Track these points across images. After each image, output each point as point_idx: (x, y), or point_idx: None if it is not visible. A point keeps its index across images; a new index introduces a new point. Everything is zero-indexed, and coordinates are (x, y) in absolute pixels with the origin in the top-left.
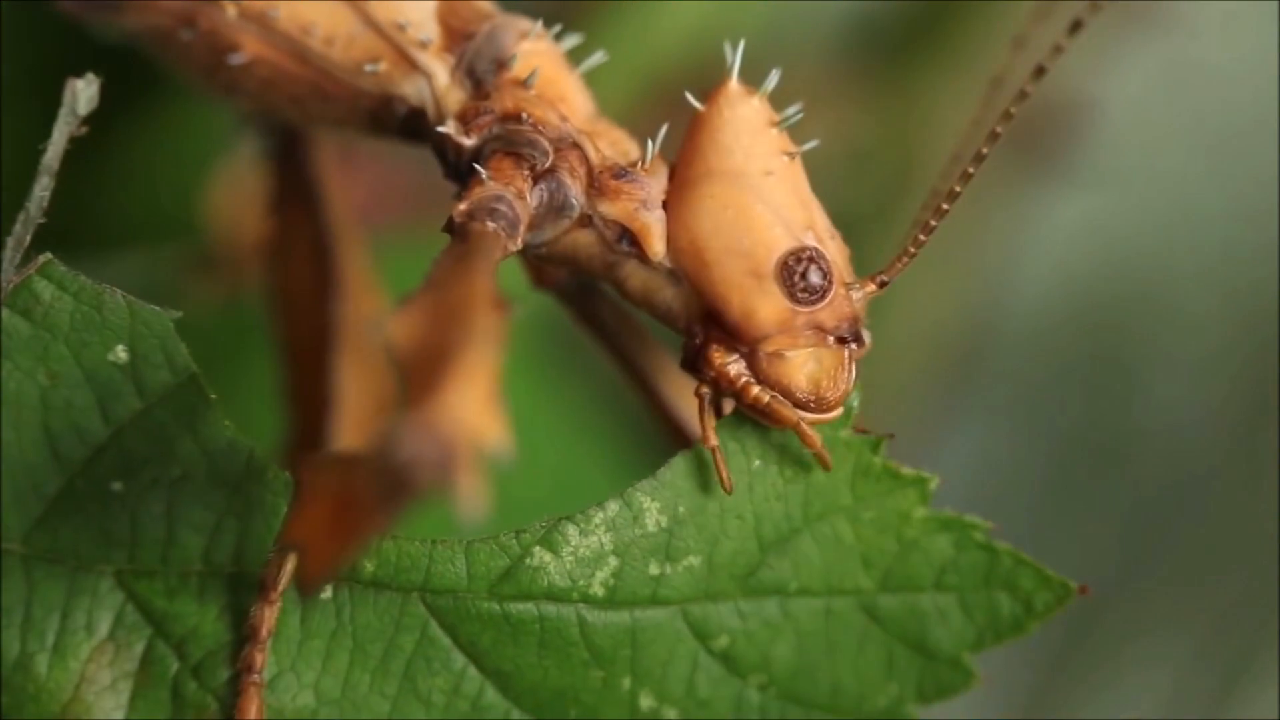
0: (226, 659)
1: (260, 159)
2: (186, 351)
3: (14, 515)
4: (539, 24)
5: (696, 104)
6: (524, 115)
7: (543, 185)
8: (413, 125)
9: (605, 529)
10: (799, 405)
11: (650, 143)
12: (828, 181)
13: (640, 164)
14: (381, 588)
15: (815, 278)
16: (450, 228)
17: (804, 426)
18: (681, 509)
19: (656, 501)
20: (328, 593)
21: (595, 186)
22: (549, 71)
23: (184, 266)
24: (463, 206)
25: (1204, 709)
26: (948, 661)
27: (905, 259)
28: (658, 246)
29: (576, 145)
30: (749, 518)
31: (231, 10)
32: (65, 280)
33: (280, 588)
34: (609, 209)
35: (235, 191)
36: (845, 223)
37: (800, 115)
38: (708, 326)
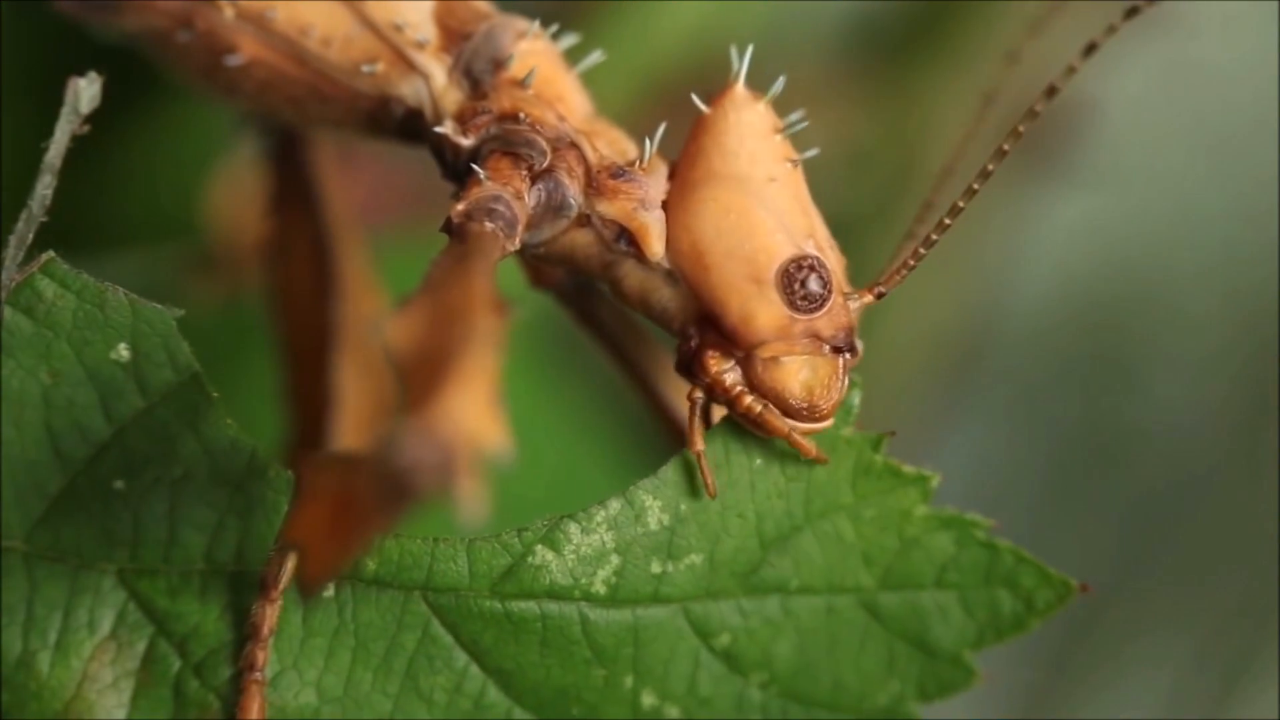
0: (228, 657)
1: (259, 159)
2: (189, 350)
3: (16, 513)
4: (536, 24)
5: (701, 105)
6: (522, 115)
7: (540, 185)
8: (410, 126)
9: (607, 527)
10: (792, 413)
11: (648, 142)
12: (828, 182)
13: (638, 163)
14: (384, 586)
15: (815, 286)
16: (448, 228)
17: (796, 436)
18: (683, 507)
19: (658, 500)
20: (330, 591)
21: (593, 186)
22: (546, 71)
23: (184, 266)
24: (460, 207)
25: (1204, 709)
26: (949, 659)
27: (904, 271)
28: (656, 247)
29: (574, 145)
30: (750, 516)
31: (229, 11)
32: (68, 278)
33: (282, 586)
34: (607, 208)
35: (235, 191)
36: (845, 223)
37: (804, 124)
38: (703, 329)
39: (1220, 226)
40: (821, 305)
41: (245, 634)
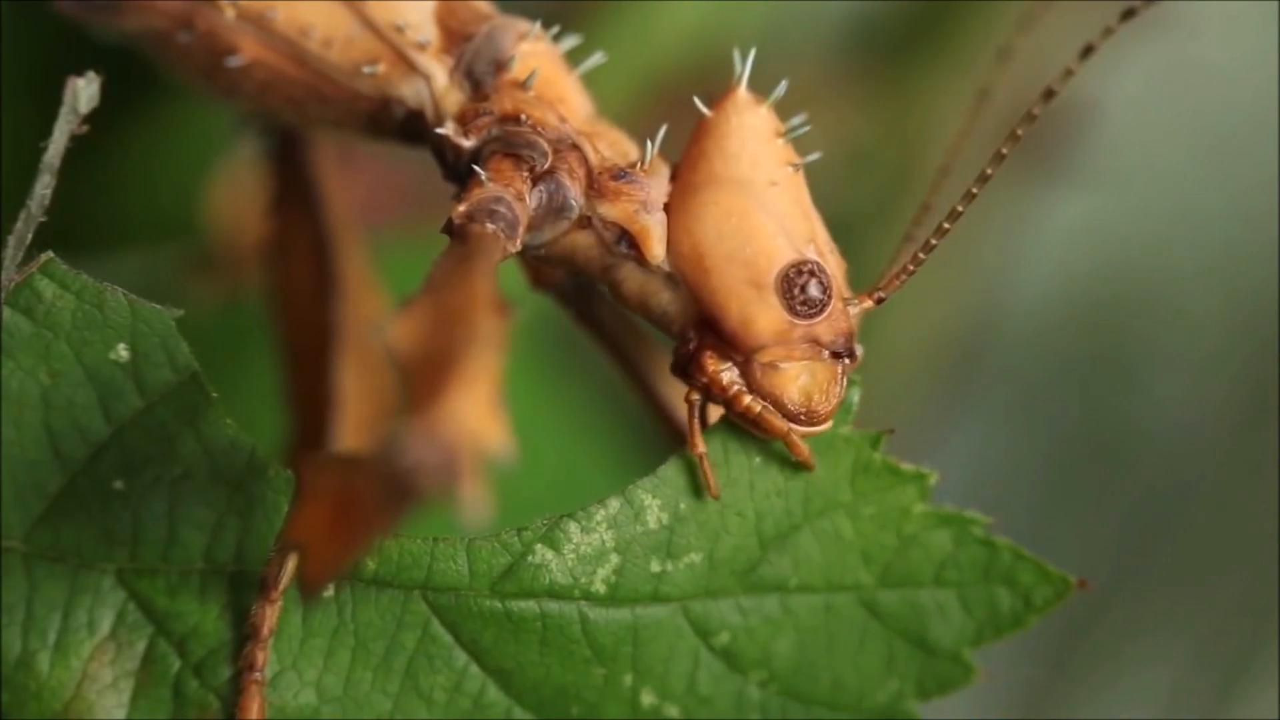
0: (228, 657)
1: (259, 159)
2: (188, 350)
3: (15, 513)
4: (537, 25)
5: (704, 108)
6: (523, 116)
7: (542, 186)
8: (411, 127)
9: (607, 526)
10: (789, 417)
11: (649, 143)
12: (828, 181)
13: (640, 165)
14: (383, 585)
15: (815, 291)
16: (449, 229)
17: (793, 437)
18: (682, 506)
19: (657, 499)
20: (330, 591)
21: (594, 188)
22: (548, 73)
23: (184, 266)
24: (462, 208)
25: (1204, 709)
26: (948, 657)
27: (903, 276)
28: (657, 249)
29: (575, 146)
30: (749, 514)
31: (229, 12)
32: (67, 279)
33: (281, 586)
34: (608, 210)
35: (235, 192)
36: (845, 223)
37: (807, 128)
38: (702, 332)
39: (1220, 226)
40: (821, 310)
41: (245, 634)
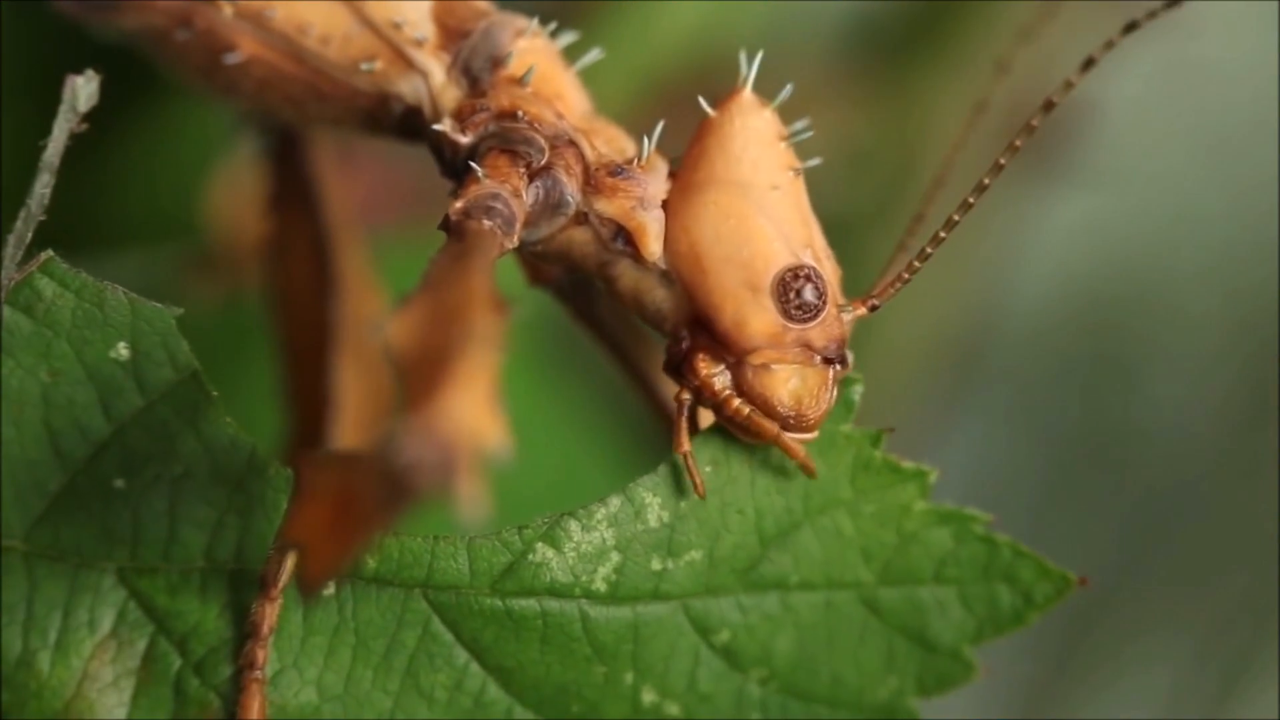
0: (228, 656)
1: (258, 158)
2: (188, 348)
3: (16, 512)
4: (535, 22)
5: (707, 108)
6: (520, 113)
7: (538, 183)
8: (409, 124)
9: (607, 524)
10: (778, 420)
11: (647, 140)
12: (828, 181)
13: (637, 161)
14: (384, 584)
15: (810, 296)
16: (446, 226)
17: (784, 438)
18: (683, 504)
19: (658, 497)
20: (330, 589)
21: (591, 184)
22: (545, 69)
23: (184, 266)
24: (459, 204)
25: (1204, 709)
26: (948, 654)
27: (898, 283)
28: (653, 247)
29: (572, 143)
30: (750, 512)
31: (228, 10)
32: (67, 278)
33: (281, 585)
34: (605, 207)
35: (234, 191)
36: (845, 223)
37: (809, 133)
38: (695, 332)
39: (1220, 226)
40: (815, 315)
41: (245, 632)
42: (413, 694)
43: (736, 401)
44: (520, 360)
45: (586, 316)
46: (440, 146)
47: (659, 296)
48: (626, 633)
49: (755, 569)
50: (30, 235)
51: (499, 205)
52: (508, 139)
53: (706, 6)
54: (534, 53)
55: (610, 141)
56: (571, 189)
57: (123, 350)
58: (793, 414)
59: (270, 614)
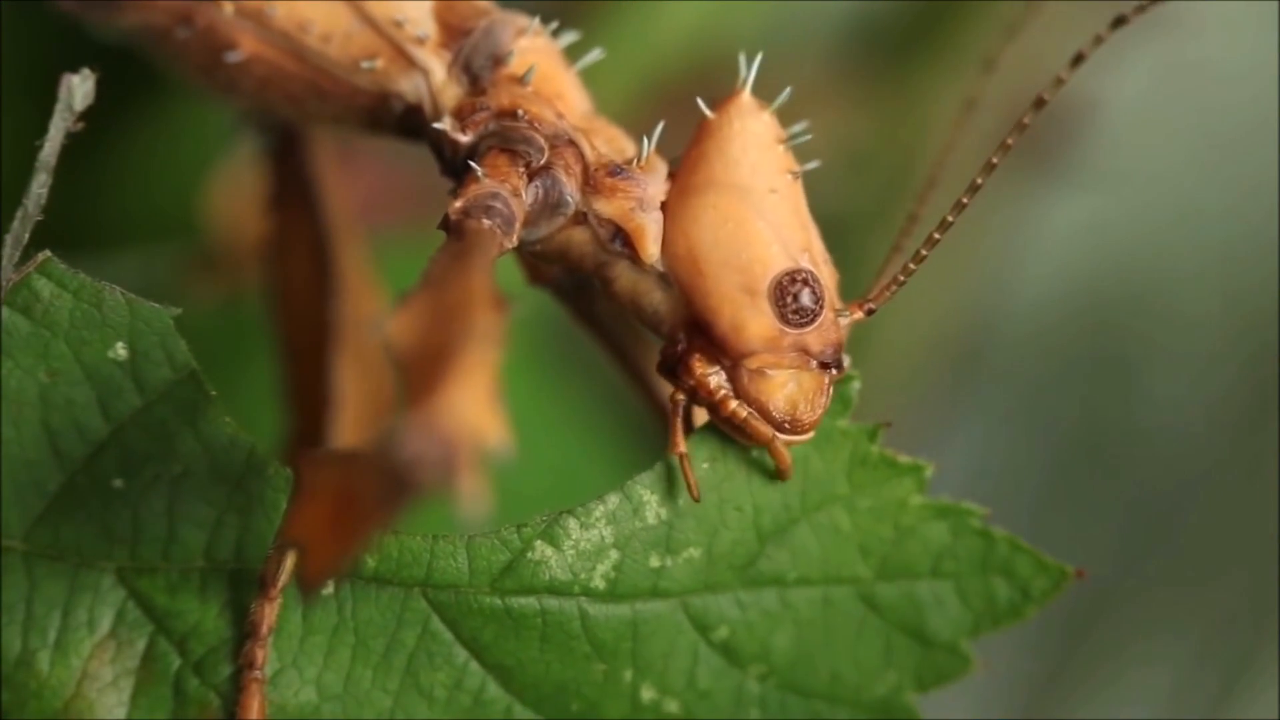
0: (228, 655)
1: (259, 157)
2: (186, 348)
3: (15, 512)
4: (536, 21)
5: (706, 110)
6: (520, 112)
7: (538, 182)
8: (409, 122)
9: (606, 522)
10: (773, 424)
11: (646, 140)
12: (828, 181)
13: (636, 162)
14: (383, 583)
15: (807, 300)
16: (446, 225)
17: (777, 443)
18: (681, 501)
19: (656, 494)
20: (329, 588)
21: (591, 184)
22: (546, 68)
23: (184, 266)
24: (458, 204)
25: (1204, 709)
26: (945, 648)
27: (894, 286)
28: (651, 248)
29: (572, 142)
30: (748, 509)
31: (228, 8)
32: (65, 278)
33: (281, 584)
34: (604, 207)
35: (234, 190)
36: (845, 223)
37: (809, 136)
38: (692, 335)
39: (1220, 226)
40: (812, 320)
41: (245, 632)
42: (412, 693)
43: (733, 403)
44: (520, 359)
45: (586, 316)
46: (440, 145)
47: (656, 298)
48: (625, 630)
49: (753, 565)
50: (28, 235)
51: (498, 204)
52: (508, 138)
53: (706, 6)
54: (535, 52)
55: (610, 142)
56: (571, 189)
57: (121, 350)
58: (788, 418)
59: (270, 613)
